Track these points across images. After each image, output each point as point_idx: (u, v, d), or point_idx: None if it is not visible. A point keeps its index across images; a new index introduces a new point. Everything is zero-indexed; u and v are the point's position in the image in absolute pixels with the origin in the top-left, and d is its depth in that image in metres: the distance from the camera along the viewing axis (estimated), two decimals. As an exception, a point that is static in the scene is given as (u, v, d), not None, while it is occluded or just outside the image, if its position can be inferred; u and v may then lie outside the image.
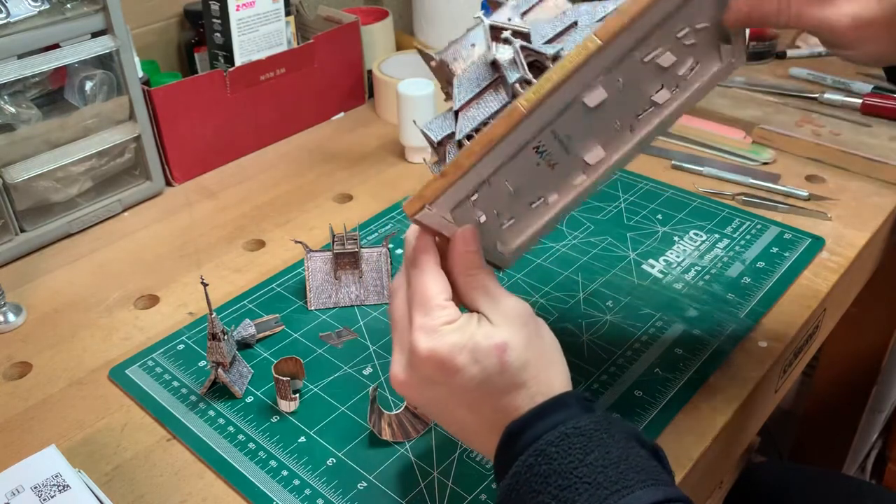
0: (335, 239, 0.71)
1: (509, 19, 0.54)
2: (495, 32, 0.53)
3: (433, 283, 0.46)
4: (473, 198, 0.52)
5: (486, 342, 0.44)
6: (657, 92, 0.53)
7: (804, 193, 0.83)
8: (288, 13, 0.96)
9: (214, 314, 0.58)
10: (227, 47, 0.92)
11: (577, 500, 0.40)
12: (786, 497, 0.88)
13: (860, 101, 0.98)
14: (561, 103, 0.49)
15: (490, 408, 0.45)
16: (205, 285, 0.57)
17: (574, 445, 0.42)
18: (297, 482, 0.54)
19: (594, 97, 0.50)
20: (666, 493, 0.40)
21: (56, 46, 0.77)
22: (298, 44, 0.98)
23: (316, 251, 0.72)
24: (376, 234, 0.80)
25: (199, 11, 0.95)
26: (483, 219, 0.52)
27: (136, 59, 0.85)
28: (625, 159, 0.54)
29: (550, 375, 0.45)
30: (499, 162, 0.52)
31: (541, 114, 0.48)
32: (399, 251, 0.78)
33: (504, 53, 0.52)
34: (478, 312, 0.46)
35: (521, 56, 0.50)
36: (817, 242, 0.76)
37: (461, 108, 0.53)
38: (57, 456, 0.52)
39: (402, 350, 0.47)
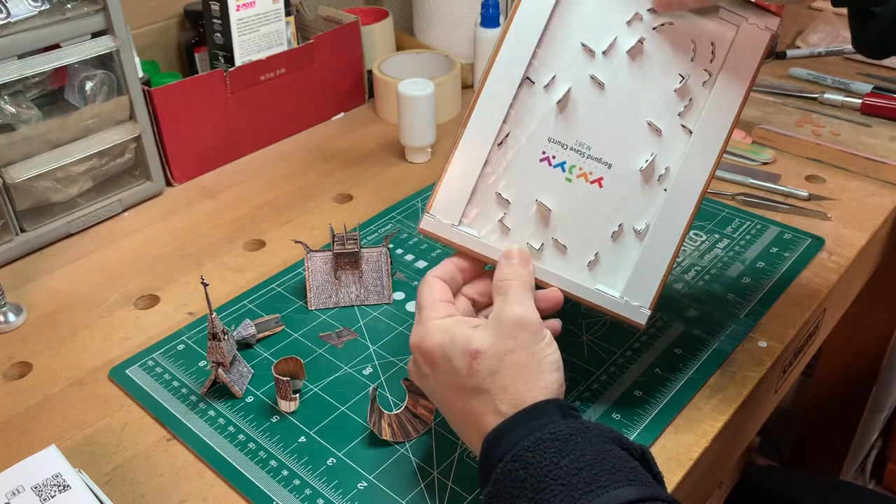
0: (335, 239, 0.71)
1: None
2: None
3: (438, 286, 0.52)
4: (498, 215, 0.54)
5: (463, 345, 0.48)
6: (681, 84, 0.54)
7: (804, 193, 0.83)
8: (288, 13, 0.96)
9: (214, 314, 0.58)
10: (228, 47, 0.92)
11: (552, 501, 0.41)
12: (786, 503, 0.88)
13: (860, 101, 0.98)
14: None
15: (461, 405, 0.49)
16: (205, 285, 0.57)
17: (549, 450, 0.43)
18: (297, 482, 0.54)
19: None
20: (642, 493, 0.41)
21: (56, 46, 0.77)
22: (298, 44, 0.98)
23: (316, 251, 0.72)
24: (376, 234, 0.80)
25: (199, 11, 0.95)
26: (541, 245, 0.55)
27: (137, 59, 0.85)
28: (705, 158, 0.54)
29: (524, 389, 0.46)
30: (487, 162, 0.53)
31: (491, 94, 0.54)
32: (399, 251, 0.78)
33: None
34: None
35: None
36: (817, 242, 0.76)
37: None
38: (57, 456, 0.52)
39: None
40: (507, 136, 0.55)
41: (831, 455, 1.41)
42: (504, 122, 0.54)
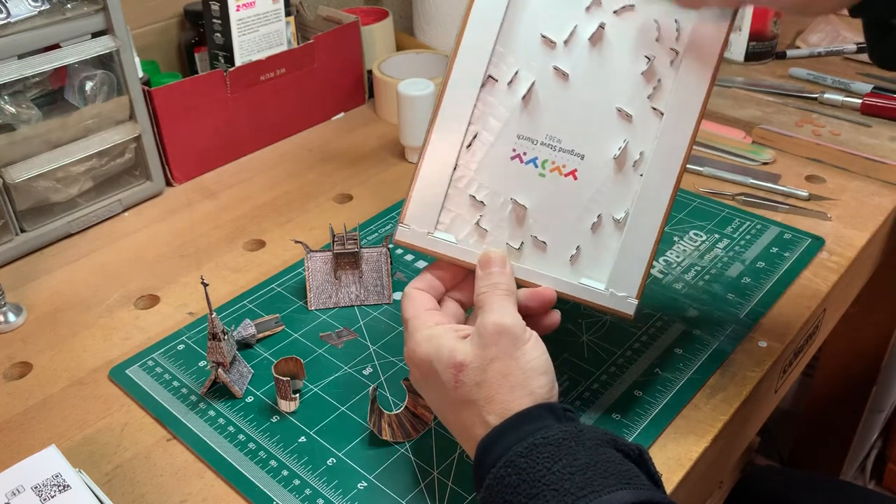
0: (335, 239, 0.71)
1: None
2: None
3: (419, 297, 0.52)
4: (474, 218, 0.53)
5: (448, 357, 0.48)
6: (647, 66, 0.53)
7: (804, 193, 0.83)
8: (288, 13, 0.96)
9: (214, 314, 0.58)
10: (228, 47, 0.92)
11: None
12: (786, 503, 0.88)
13: (860, 101, 0.98)
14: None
15: (453, 417, 0.49)
16: (205, 285, 0.57)
17: (542, 455, 0.43)
18: (297, 482, 0.54)
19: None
20: (636, 496, 0.40)
21: (56, 46, 0.77)
22: (298, 44, 0.98)
23: (316, 251, 0.72)
24: (376, 234, 0.80)
25: (199, 11, 0.95)
26: (521, 245, 0.53)
27: (137, 59, 0.85)
28: (679, 139, 0.53)
29: (510, 397, 0.46)
30: (457, 166, 0.53)
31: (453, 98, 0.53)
32: (399, 251, 0.78)
33: None
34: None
35: None
36: (817, 242, 0.76)
37: None
38: (57, 456, 0.52)
39: None
40: (474, 137, 0.54)
41: (831, 455, 1.41)
42: (470, 123, 0.53)
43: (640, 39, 0.53)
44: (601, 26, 0.53)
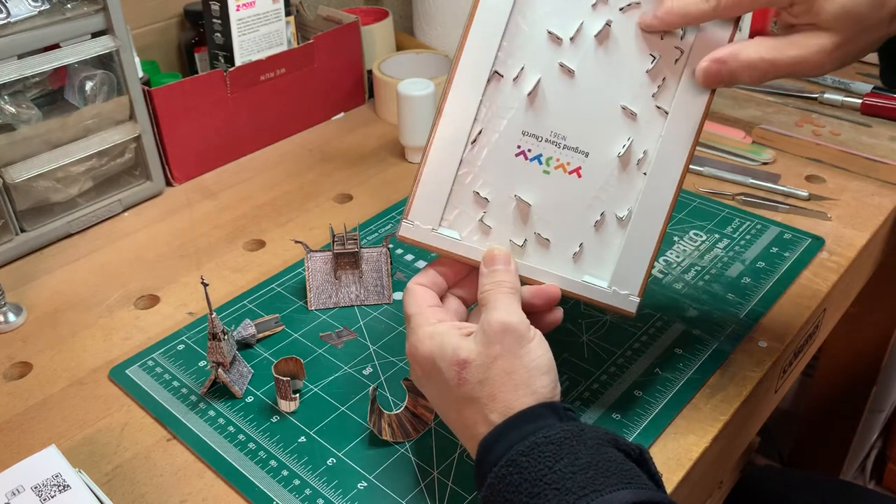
0: (335, 239, 0.71)
1: None
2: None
3: (421, 293, 0.52)
4: (478, 215, 0.53)
5: (452, 355, 0.48)
6: (653, 64, 0.53)
7: (804, 193, 0.83)
8: (288, 13, 0.96)
9: (214, 314, 0.58)
10: (228, 47, 0.92)
11: None
12: (786, 503, 0.88)
13: (860, 101, 0.98)
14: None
15: (455, 415, 0.49)
16: (205, 285, 0.57)
17: (544, 454, 0.43)
18: (297, 482, 0.54)
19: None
20: (637, 496, 0.41)
21: (56, 46, 0.77)
22: (298, 44, 0.98)
23: (316, 251, 0.72)
24: (376, 234, 0.80)
25: (199, 11, 0.95)
26: (524, 241, 0.54)
27: (137, 59, 0.85)
28: (682, 138, 0.53)
29: (513, 396, 0.46)
30: (461, 162, 0.53)
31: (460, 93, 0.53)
32: (399, 251, 0.78)
33: None
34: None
35: None
36: (817, 242, 0.76)
37: None
38: (57, 456, 0.52)
39: None
40: (479, 133, 0.53)
41: (831, 455, 1.41)
42: (475, 119, 0.53)
43: (645, 37, 0.53)
44: (608, 24, 0.52)
